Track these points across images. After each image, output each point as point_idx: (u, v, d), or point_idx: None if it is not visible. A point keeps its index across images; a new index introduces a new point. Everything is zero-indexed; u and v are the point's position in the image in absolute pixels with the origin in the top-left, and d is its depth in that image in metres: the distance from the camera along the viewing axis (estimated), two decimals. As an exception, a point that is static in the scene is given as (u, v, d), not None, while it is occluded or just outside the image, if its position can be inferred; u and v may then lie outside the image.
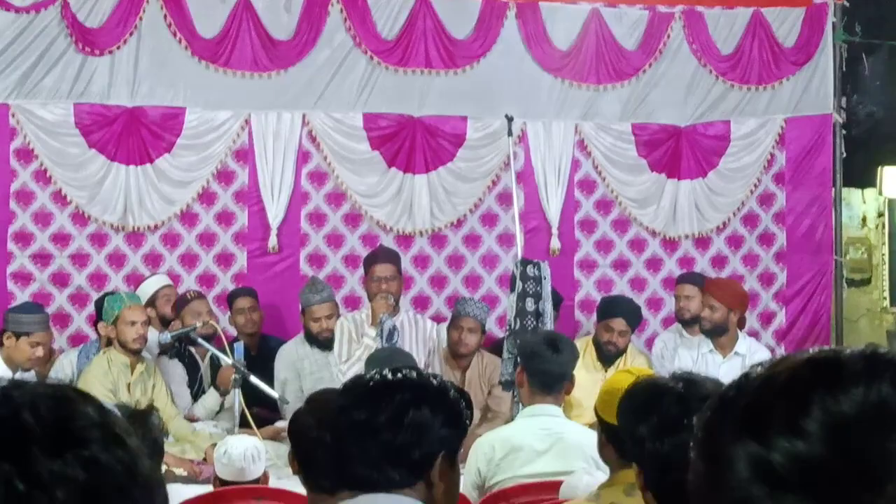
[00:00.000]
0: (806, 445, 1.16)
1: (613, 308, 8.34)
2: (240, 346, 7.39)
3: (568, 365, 5.70)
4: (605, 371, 8.01)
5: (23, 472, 1.04)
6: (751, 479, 1.18)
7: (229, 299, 8.58)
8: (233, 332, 8.38)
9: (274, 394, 7.42)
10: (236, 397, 7.09)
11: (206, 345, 7.51)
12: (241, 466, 5.51)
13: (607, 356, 8.09)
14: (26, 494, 1.03)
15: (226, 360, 7.35)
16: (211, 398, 7.80)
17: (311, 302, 8.10)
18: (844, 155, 9.95)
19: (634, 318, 8.34)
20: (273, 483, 5.81)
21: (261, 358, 8.20)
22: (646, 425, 3.02)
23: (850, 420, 1.16)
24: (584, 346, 8.13)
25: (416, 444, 2.79)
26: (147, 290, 8.37)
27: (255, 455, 5.57)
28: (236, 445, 5.62)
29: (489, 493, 5.34)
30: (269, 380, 7.73)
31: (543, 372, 5.55)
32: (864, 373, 1.19)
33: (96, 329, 8.03)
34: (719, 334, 8.04)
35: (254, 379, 7.24)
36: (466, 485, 5.51)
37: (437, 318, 8.84)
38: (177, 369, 7.93)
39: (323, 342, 7.97)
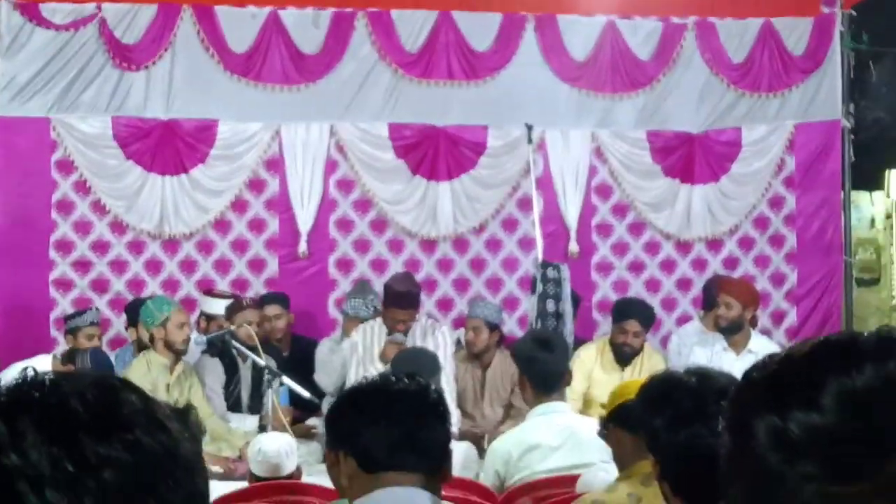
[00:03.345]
0: (820, 417, 1.20)
1: (627, 310, 8.45)
2: (284, 390, 7.44)
3: (563, 361, 5.87)
4: (623, 371, 8.17)
5: (72, 455, 1.07)
6: (769, 447, 1.23)
7: (259, 305, 8.67)
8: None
9: (306, 394, 7.50)
10: (269, 397, 7.27)
11: (242, 348, 7.65)
12: (276, 462, 5.73)
13: (624, 357, 8.22)
14: (75, 476, 1.06)
15: (260, 362, 7.48)
16: (250, 423, 7.87)
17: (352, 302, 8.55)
18: (853, 159, 10.04)
19: (648, 319, 8.45)
20: (304, 479, 6.01)
21: (292, 359, 8.44)
22: (661, 417, 3.12)
23: (862, 394, 1.21)
24: (602, 346, 8.33)
25: (446, 440, 3.13)
26: (213, 308, 8.52)
27: (288, 451, 5.80)
28: (270, 443, 5.85)
29: (510, 489, 5.48)
30: (302, 378, 7.86)
31: (544, 373, 5.69)
32: (875, 351, 1.24)
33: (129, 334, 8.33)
34: (735, 332, 8.17)
35: (287, 380, 7.42)
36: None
37: (460, 320, 9.03)
38: (216, 368, 8.03)
39: None
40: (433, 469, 3.04)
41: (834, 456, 1.20)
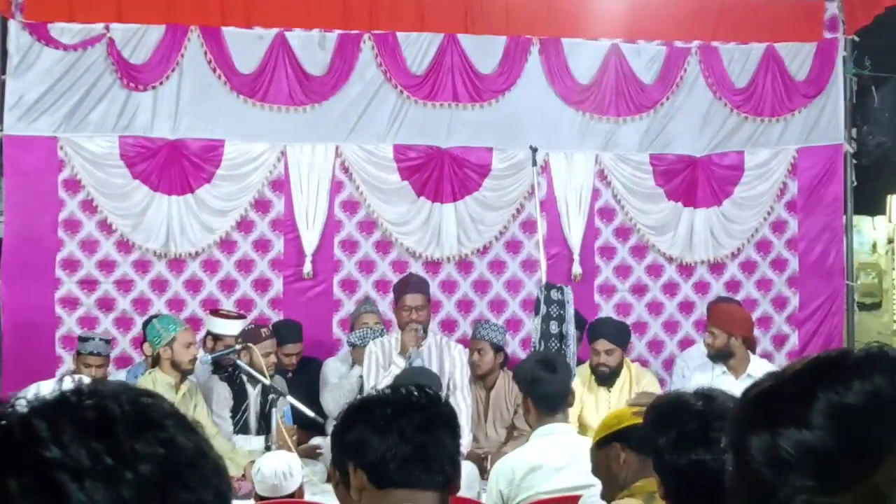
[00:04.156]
0: (810, 434, 1.27)
1: (595, 331, 8.44)
2: (287, 410, 7.48)
3: (566, 382, 5.82)
4: (609, 391, 8.20)
5: (110, 450, 1.12)
6: (763, 463, 1.30)
7: (279, 339, 8.54)
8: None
9: (311, 413, 7.54)
10: (274, 417, 7.29)
11: (247, 368, 7.65)
12: (273, 483, 5.75)
13: (602, 377, 8.22)
14: (113, 468, 1.12)
15: (264, 381, 7.49)
16: (256, 444, 7.84)
17: (360, 311, 8.64)
18: (855, 183, 10.06)
19: (618, 335, 8.38)
20: (308, 498, 6.03)
21: (300, 378, 8.51)
22: (665, 438, 3.17)
23: (849, 410, 1.27)
24: (588, 369, 8.31)
25: (456, 450, 3.04)
26: (219, 328, 8.39)
27: (287, 472, 5.80)
28: (269, 464, 5.85)
29: None
30: (307, 397, 7.96)
31: (547, 394, 5.66)
32: (863, 367, 1.31)
33: (143, 350, 8.28)
34: (724, 359, 8.14)
35: (291, 400, 7.47)
36: (489, 506, 5.69)
37: (464, 341, 8.93)
38: (223, 392, 8.04)
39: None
40: (444, 484, 2.99)
41: (823, 470, 1.26)
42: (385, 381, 7.40)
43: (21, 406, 1.18)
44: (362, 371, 8.13)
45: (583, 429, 7.92)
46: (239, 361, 7.74)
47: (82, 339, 8.32)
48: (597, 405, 7.99)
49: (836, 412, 1.28)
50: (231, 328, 8.32)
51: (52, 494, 1.09)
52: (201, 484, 1.18)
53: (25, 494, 1.09)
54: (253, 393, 8.05)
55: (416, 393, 3.05)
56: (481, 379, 8.30)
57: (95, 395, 1.19)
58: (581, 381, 8.11)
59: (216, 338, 8.43)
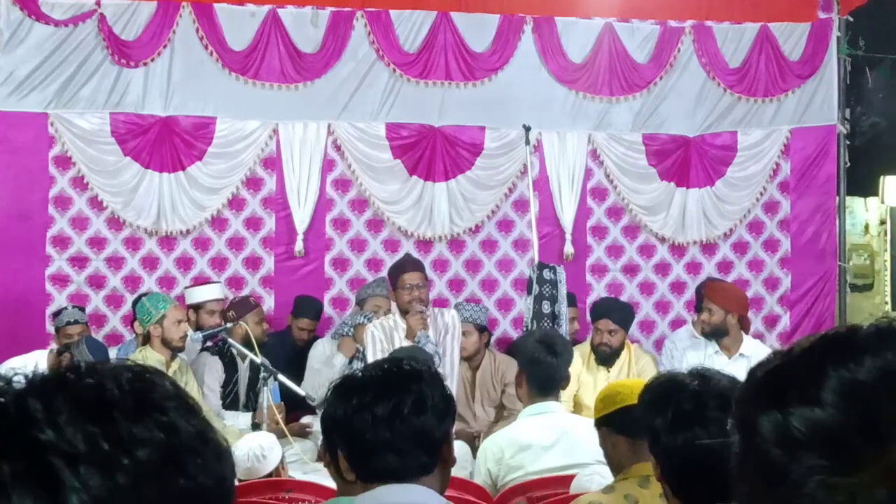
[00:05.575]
0: (822, 411, 1.22)
1: (600, 310, 8.46)
2: (275, 388, 7.40)
3: (566, 366, 5.77)
4: (608, 371, 8.21)
5: (107, 434, 1.08)
6: (773, 443, 1.25)
7: (297, 311, 8.97)
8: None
9: (301, 392, 7.50)
10: (265, 395, 7.30)
11: (238, 345, 7.68)
12: (246, 467, 5.68)
13: (603, 357, 8.25)
14: (110, 454, 1.07)
15: (255, 359, 7.48)
16: (243, 421, 7.86)
17: (369, 294, 8.69)
18: (848, 164, 10.12)
19: (622, 316, 8.39)
20: (300, 477, 6.01)
21: (293, 354, 8.57)
22: (661, 418, 3.11)
23: (861, 387, 1.23)
24: (587, 348, 8.34)
25: (437, 426, 2.94)
26: (198, 296, 8.51)
27: (259, 455, 5.74)
28: (240, 447, 5.76)
29: (505, 489, 5.43)
30: (298, 375, 7.97)
31: (544, 377, 5.63)
32: (874, 343, 1.26)
33: (133, 328, 8.27)
34: (719, 336, 8.13)
35: (282, 378, 7.43)
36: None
37: None
38: (216, 365, 8.02)
39: None
40: (426, 467, 2.92)
41: (835, 449, 1.22)
42: None
43: (18, 382, 1.13)
44: (346, 359, 8.10)
45: (577, 408, 7.94)
46: (229, 339, 7.74)
47: (56, 315, 8.38)
48: (595, 385, 7.97)
49: (848, 389, 1.24)
50: (207, 293, 8.44)
51: (45, 480, 1.05)
52: (201, 470, 1.14)
53: (18, 479, 1.04)
54: (243, 366, 8.07)
55: (394, 373, 2.98)
56: (466, 360, 8.24)
57: (95, 373, 1.15)
58: (579, 362, 8.09)
59: (196, 308, 8.46)
